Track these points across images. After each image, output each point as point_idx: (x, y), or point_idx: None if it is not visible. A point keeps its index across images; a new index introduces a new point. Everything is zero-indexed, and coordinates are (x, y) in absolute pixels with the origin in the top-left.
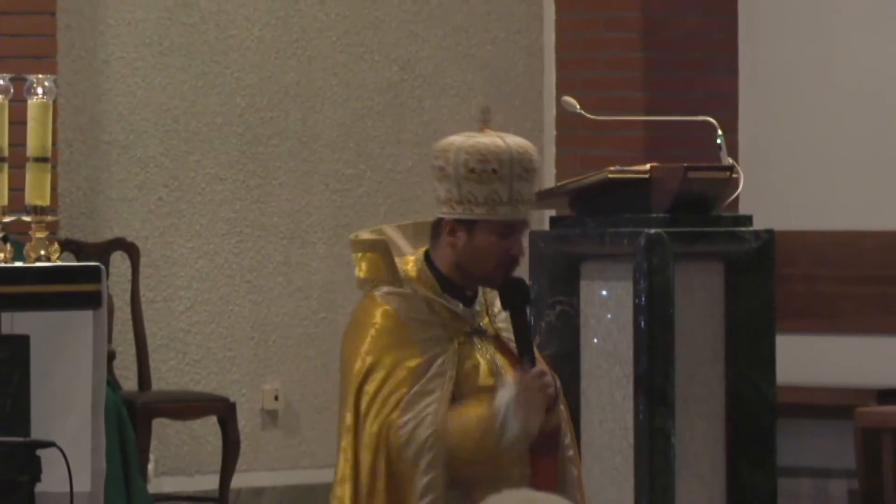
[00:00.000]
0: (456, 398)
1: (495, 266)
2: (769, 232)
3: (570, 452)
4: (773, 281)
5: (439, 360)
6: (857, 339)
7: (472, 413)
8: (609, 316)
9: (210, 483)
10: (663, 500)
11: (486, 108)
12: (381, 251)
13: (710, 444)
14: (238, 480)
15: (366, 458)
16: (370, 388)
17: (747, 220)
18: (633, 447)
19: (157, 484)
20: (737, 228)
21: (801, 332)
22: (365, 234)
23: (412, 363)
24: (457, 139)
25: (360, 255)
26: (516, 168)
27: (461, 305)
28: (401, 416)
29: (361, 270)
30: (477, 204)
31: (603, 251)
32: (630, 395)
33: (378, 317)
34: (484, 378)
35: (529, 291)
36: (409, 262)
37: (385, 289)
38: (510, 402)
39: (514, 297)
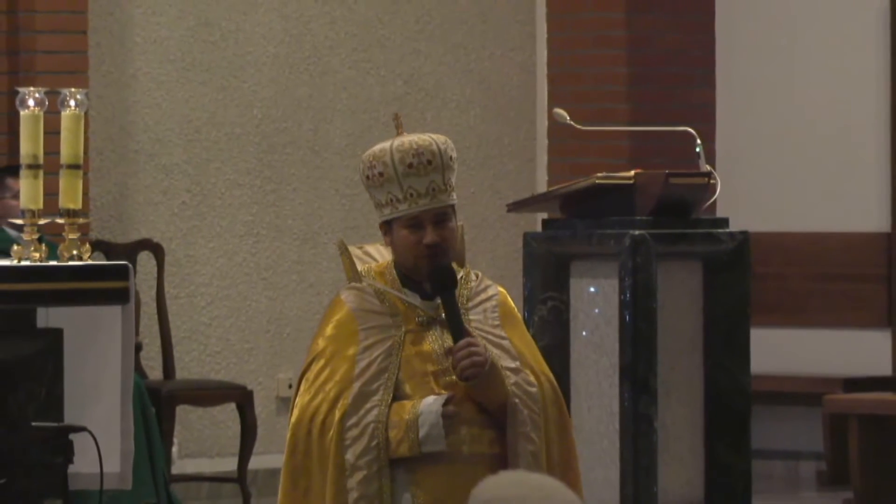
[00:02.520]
0: (399, 382)
1: (416, 257)
2: (744, 233)
3: (526, 429)
4: (747, 278)
5: (379, 350)
6: (825, 332)
7: (397, 418)
8: (597, 311)
9: (229, 464)
10: (646, 480)
11: (395, 114)
12: (343, 251)
13: (689, 428)
14: (255, 462)
15: (289, 438)
16: (311, 375)
17: (724, 222)
18: (618, 431)
19: (181, 465)
20: (714, 230)
21: (774, 325)
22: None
23: (350, 351)
24: (365, 153)
25: (341, 257)
26: (399, 167)
27: (419, 298)
28: (344, 418)
29: (346, 270)
30: (383, 206)
31: (591, 251)
32: (616, 383)
33: (334, 310)
34: (431, 364)
35: (455, 276)
36: (383, 263)
37: (348, 286)
38: (428, 413)
39: (437, 283)
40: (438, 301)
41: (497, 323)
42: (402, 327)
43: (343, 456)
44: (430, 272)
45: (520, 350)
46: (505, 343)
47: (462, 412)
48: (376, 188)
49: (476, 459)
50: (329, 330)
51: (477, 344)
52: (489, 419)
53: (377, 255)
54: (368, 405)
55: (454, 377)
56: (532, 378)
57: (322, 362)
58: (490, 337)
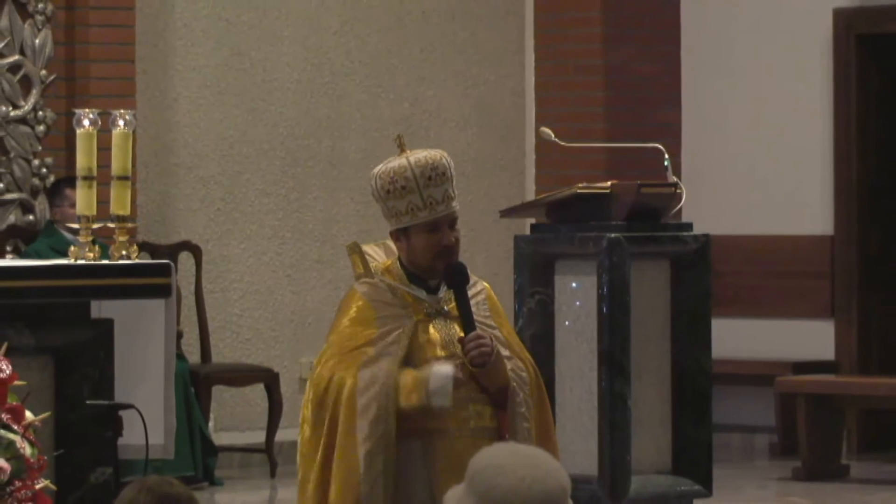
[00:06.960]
0: (413, 366)
1: (433, 258)
2: (706, 236)
3: (523, 409)
4: (709, 275)
5: (394, 334)
6: (776, 322)
7: (410, 375)
8: (578, 303)
9: (258, 437)
10: (621, 451)
11: (398, 135)
12: (357, 251)
13: (658, 406)
14: (281, 435)
15: (309, 395)
16: (332, 338)
17: (688, 226)
18: (597, 408)
19: (216, 438)
20: (680, 233)
21: (732, 316)
22: (349, 243)
23: (369, 332)
24: (375, 169)
25: (350, 256)
26: (420, 179)
27: (424, 292)
28: (360, 370)
29: (355, 267)
30: (402, 214)
31: (573, 251)
32: (595, 366)
33: (351, 301)
34: (437, 350)
35: (467, 273)
36: (388, 262)
37: (362, 280)
38: (441, 372)
39: (454, 279)
40: (441, 295)
41: (487, 314)
42: (413, 317)
43: (359, 402)
44: (445, 269)
45: (507, 339)
46: (496, 333)
47: (468, 391)
48: (397, 199)
49: (480, 433)
50: (353, 312)
51: (485, 336)
52: (488, 397)
53: (375, 254)
54: (382, 363)
55: (462, 361)
56: (521, 364)
57: (347, 332)
58: (484, 327)
